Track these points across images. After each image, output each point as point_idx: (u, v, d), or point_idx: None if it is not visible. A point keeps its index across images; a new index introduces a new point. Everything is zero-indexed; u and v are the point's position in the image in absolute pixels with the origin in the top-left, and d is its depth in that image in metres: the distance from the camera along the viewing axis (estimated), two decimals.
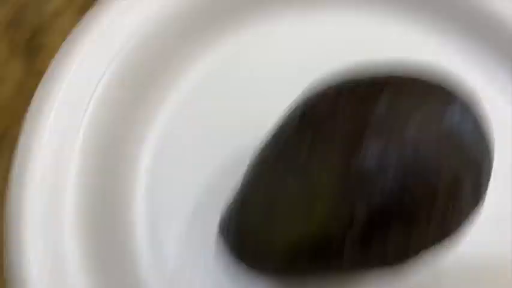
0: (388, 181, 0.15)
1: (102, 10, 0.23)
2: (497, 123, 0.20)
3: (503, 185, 0.23)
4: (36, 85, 0.23)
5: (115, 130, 0.22)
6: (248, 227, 0.18)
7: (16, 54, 0.25)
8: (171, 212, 0.22)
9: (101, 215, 0.21)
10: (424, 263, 0.21)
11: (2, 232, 0.20)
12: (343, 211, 0.16)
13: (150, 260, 0.21)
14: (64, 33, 0.23)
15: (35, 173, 0.20)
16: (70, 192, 0.20)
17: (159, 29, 0.23)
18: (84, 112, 0.21)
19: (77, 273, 0.19)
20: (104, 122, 0.22)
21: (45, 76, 0.21)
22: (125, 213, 0.22)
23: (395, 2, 0.26)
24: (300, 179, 0.16)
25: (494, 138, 0.18)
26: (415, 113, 0.16)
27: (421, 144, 0.16)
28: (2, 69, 0.25)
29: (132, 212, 0.22)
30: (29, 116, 0.21)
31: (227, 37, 0.25)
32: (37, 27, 0.26)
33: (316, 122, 0.17)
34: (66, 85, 0.21)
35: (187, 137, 0.23)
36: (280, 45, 0.25)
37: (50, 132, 0.20)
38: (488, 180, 0.18)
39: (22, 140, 0.20)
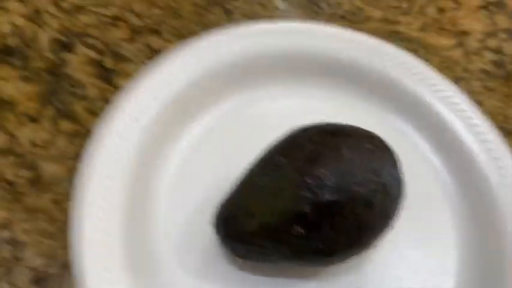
0: (325, 194, 0.25)
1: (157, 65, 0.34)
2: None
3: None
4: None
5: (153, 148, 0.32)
6: (235, 210, 0.27)
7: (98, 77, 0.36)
8: (179, 206, 0.31)
9: (138, 200, 0.30)
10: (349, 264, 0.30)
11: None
12: (295, 208, 0.25)
13: (164, 230, 0.30)
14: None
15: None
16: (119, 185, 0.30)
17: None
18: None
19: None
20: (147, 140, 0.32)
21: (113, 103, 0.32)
22: (150, 204, 0.31)
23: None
24: (274, 175, 0.26)
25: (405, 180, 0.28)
26: (352, 151, 0.26)
27: (352, 173, 0.25)
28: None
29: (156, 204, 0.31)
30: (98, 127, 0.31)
31: (222, 102, 0.36)
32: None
33: (290, 147, 0.27)
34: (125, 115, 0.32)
35: (202, 162, 0.34)
36: (265, 108, 0.37)
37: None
38: (396, 209, 0.27)
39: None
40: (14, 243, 0.29)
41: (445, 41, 0.44)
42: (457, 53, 0.44)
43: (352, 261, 0.30)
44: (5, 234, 0.29)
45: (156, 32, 0.39)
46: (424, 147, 0.37)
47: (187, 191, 0.32)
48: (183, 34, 0.40)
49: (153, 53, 0.38)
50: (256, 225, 0.26)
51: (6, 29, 0.37)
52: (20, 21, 0.37)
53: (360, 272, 0.31)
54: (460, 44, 0.44)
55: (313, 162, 0.25)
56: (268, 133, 0.31)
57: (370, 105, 0.38)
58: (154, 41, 0.39)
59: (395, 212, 0.27)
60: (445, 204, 0.34)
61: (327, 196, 0.25)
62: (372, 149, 0.27)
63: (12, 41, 0.37)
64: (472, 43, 0.45)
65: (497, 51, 0.45)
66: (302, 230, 0.25)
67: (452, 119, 0.36)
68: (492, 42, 0.45)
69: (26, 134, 0.33)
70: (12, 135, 0.33)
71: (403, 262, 0.32)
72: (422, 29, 0.45)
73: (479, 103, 0.39)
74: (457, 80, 0.41)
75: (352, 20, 0.44)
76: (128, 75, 0.36)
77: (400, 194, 0.27)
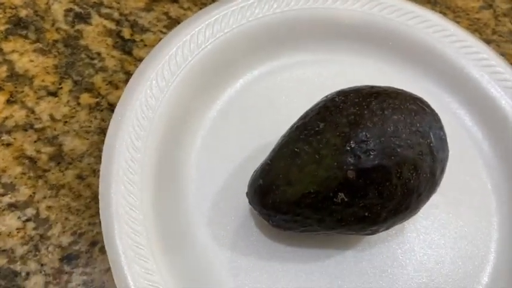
0: (370, 158, 0.23)
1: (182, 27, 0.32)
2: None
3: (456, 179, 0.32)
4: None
5: (180, 117, 0.31)
6: (271, 179, 0.26)
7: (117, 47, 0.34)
8: (211, 177, 0.30)
9: (167, 171, 0.29)
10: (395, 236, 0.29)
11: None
12: (338, 174, 0.24)
13: (196, 201, 0.29)
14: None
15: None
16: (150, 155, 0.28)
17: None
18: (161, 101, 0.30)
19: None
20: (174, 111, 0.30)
21: (137, 69, 0.30)
22: (183, 170, 0.30)
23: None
24: (313, 141, 0.24)
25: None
26: (396, 113, 0.24)
27: (398, 135, 0.24)
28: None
29: (188, 170, 0.30)
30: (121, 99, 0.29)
31: (252, 69, 0.35)
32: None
33: (331, 110, 0.25)
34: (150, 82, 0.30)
35: (231, 129, 0.32)
36: (297, 74, 0.35)
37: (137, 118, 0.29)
38: (442, 171, 0.26)
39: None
40: (39, 221, 0.28)
41: (473, 3, 0.42)
42: (486, 15, 0.42)
43: (392, 230, 0.29)
44: (30, 212, 0.28)
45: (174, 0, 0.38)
46: (461, 114, 0.35)
47: (217, 160, 0.31)
48: (203, 1, 0.38)
49: (171, 22, 0.36)
50: (296, 194, 0.25)
51: (18, 0, 0.35)
52: None
53: (399, 240, 0.30)
54: (489, 6, 0.42)
55: (355, 125, 0.24)
56: (301, 100, 0.29)
57: (405, 72, 0.36)
58: (173, 9, 0.37)
59: (441, 175, 0.26)
60: (483, 172, 0.33)
61: (373, 160, 0.23)
62: (416, 109, 0.25)
63: (24, 13, 0.35)
64: (501, 4, 0.43)
65: None
66: (347, 198, 0.24)
67: (489, 84, 0.34)
68: None
69: (45, 108, 0.31)
70: (31, 110, 0.31)
71: (443, 230, 0.31)
72: None
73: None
74: (487, 43, 0.39)
75: None
76: (147, 45, 0.35)
77: (446, 156, 0.26)
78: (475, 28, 0.41)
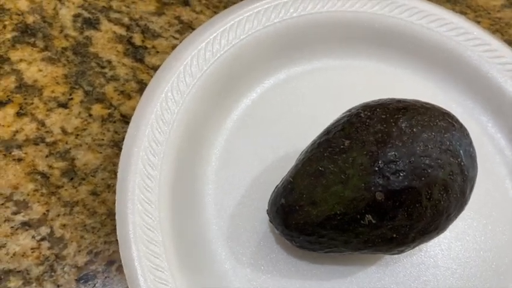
0: (399, 179, 0.22)
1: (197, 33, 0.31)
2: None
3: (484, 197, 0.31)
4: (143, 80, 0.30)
5: (196, 130, 0.30)
6: (294, 199, 0.25)
7: (128, 55, 0.33)
8: (230, 193, 0.29)
9: (184, 187, 0.28)
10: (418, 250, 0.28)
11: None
12: (366, 195, 0.23)
13: (214, 218, 0.28)
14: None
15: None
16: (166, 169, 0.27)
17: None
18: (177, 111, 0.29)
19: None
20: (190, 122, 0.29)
21: (151, 81, 0.29)
22: (200, 186, 0.29)
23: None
24: (338, 159, 0.23)
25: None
26: (426, 131, 0.23)
27: (428, 154, 0.23)
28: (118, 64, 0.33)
29: (205, 186, 0.29)
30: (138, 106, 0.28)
31: (270, 77, 0.33)
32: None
33: (357, 127, 0.24)
34: (167, 88, 0.29)
35: (248, 141, 0.31)
36: (317, 82, 0.34)
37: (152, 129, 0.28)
38: (471, 189, 0.25)
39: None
40: (53, 240, 0.27)
41: (495, 2, 0.41)
42: (508, 14, 0.40)
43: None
44: (44, 230, 0.27)
45: (185, 3, 0.36)
46: (484, 120, 0.34)
47: (235, 174, 0.30)
48: (215, 4, 0.36)
49: (184, 27, 0.35)
50: (321, 215, 0.24)
51: (24, 5, 0.34)
52: None
53: (422, 255, 0.29)
54: (511, 4, 0.41)
55: (383, 144, 0.23)
56: (321, 108, 0.28)
57: (426, 77, 0.35)
58: (185, 12, 0.36)
59: (471, 193, 0.25)
60: (507, 180, 0.32)
61: (403, 182, 0.22)
62: (446, 126, 0.24)
63: (31, 19, 0.34)
64: None
65: None
66: (374, 220, 0.23)
67: None
68: None
69: (56, 121, 0.30)
70: (41, 123, 0.30)
71: (466, 243, 0.30)
72: None
73: None
74: (509, 43, 0.38)
75: None
76: (159, 52, 0.34)
77: (475, 174, 0.25)
78: (497, 28, 0.39)
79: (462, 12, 0.39)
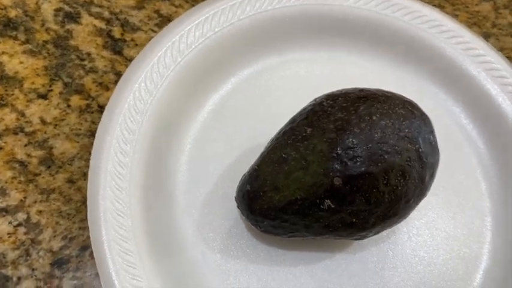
0: (357, 165, 0.23)
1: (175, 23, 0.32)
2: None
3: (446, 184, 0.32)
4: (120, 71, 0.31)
5: (170, 120, 0.30)
6: (259, 185, 0.26)
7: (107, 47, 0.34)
8: (200, 181, 0.30)
9: (156, 175, 0.29)
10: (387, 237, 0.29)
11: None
12: (325, 180, 0.23)
13: (185, 205, 0.29)
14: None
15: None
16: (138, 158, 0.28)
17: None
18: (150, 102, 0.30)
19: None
20: (163, 113, 0.30)
21: (126, 72, 0.30)
22: (172, 174, 0.30)
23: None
24: (300, 146, 0.24)
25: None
26: (384, 118, 0.24)
27: (386, 141, 0.23)
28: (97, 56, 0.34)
29: (178, 174, 0.30)
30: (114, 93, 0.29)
31: (242, 70, 0.34)
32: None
33: (319, 115, 0.25)
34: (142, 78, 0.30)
35: (220, 131, 0.32)
36: (287, 74, 0.34)
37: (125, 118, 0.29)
38: (431, 176, 0.25)
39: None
40: (30, 225, 0.28)
41: None
42: (485, 7, 0.41)
43: (383, 232, 0.29)
44: (21, 216, 0.28)
45: None
46: (457, 111, 0.34)
47: (207, 163, 0.31)
48: None
49: (163, 20, 0.36)
50: (283, 201, 0.24)
51: (7, 0, 0.35)
52: None
53: (390, 242, 0.30)
54: None
55: (342, 131, 0.24)
56: (293, 100, 0.29)
57: (399, 69, 0.35)
58: (164, 6, 0.37)
59: (431, 180, 0.25)
60: (478, 171, 0.33)
61: (360, 167, 0.23)
62: (405, 114, 0.25)
63: (14, 13, 0.35)
64: None
65: None
66: (333, 205, 0.23)
67: (486, 81, 0.33)
68: None
69: (36, 111, 0.31)
70: (21, 113, 0.31)
71: (435, 231, 0.30)
72: None
73: (511, 60, 0.37)
74: (486, 36, 0.39)
75: None
76: (138, 45, 0.34)
77: (436, 161, 0.25)
78: (474, 21, 0.40)
79: (440, 6, 0.39)
